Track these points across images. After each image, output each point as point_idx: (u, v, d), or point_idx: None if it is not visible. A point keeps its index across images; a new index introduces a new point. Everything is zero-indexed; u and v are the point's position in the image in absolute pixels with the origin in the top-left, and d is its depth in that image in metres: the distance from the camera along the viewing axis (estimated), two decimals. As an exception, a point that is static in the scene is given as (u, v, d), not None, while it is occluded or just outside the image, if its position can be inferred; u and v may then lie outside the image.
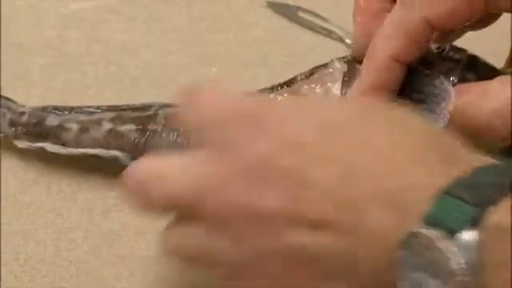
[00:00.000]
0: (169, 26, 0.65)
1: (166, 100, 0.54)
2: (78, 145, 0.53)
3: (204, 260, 0.40)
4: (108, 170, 0.55)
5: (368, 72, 0.47)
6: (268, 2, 0.67)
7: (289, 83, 0.51)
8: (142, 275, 0.49)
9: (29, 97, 0.60)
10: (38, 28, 0.65)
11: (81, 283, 0.49)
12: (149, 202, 0.41)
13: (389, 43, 0.46)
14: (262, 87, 0.53)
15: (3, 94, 0.60)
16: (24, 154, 0.56)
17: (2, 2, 0.66)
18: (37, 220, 0.52)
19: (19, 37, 0.65)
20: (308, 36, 0.65)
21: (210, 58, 0.62)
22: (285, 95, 0.50)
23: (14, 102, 0.56)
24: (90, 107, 0.54)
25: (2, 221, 0.52)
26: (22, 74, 0.62)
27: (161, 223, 0.52)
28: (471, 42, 0.52)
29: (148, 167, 0.41)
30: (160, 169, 0.41)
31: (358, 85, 0.48)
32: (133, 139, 0.52)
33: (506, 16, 0.49)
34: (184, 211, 0.40)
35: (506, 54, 0.52)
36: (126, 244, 0.51)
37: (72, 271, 0.50)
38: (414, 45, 0.46)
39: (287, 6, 0.67)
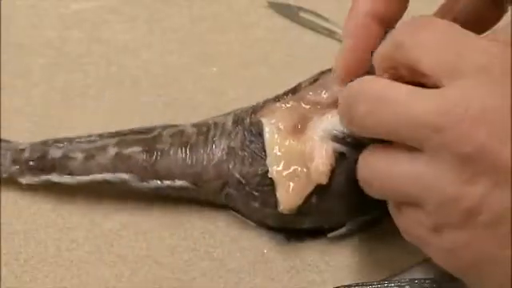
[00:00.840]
0: (169, 26, 0.65)
1: (166, 99, 0.54)
2: (85, 172, 0.52)
3: (412, 190, 0.39)
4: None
5: (347, 29, 0.47)
6: (269, 3, 0.67)
7: (293, 91, 0.51)
8: (143, 275, 0.49)
9: (29, 97, 0.60)
10: (39, 28, 0.65)
11: (82, 283, 0.49)
12: (380, 123, 0.40)
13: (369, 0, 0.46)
14: (263, 87, 0.53)
15: (3, 94, 0.60)
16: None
17: (2, 2, 0.66)
18: (37, 220, 0.52)
19: (19, 37, 0.65)
20: (309, 36, 0.65)
21: (211, 58, 0.62)
22: (291, 103, 0.50)
23: (11, 142, 0.55)
24: (90, 136, 0.53)
25: (2, 221, 0.52)
26: (22, 74, 0.62)
27: (160, 224, 0.52)
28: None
29: (380, 89, 0.40)
30: (392, 93, 0.40)
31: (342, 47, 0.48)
32: (141, 161, 0.51)
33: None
34: (403, 139, 0.39)
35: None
36: (127, 244, 0.51)
37: (73, 271, 0.50)
38: (394, 2, 0.46)
39: (288, 6, 0.67)
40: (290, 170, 0.48)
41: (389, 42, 0.42)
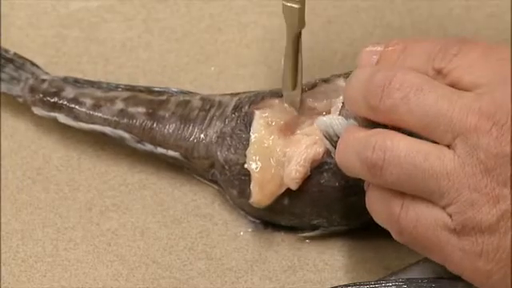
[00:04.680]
0: (167, 25, 0.65)
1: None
2: (88, 120, 0.54)
3: (436, 186, 0.38)
4: (109, 165, 0.55)
5: None
6: None
7: None
8: (141, 274, 0.49)
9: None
10: (37, 27, 0.65)
11: (79, 283, 0.49)
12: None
13: None
14: (261, 87, 0.53)
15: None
16: (23, 152, 0.56)
17: (1, 1, 0.66)
18: (35, 219, 0.52)
19: (19, 36, 0.65)
20: (307, 36, 0.65)
21: (209, 58, 0.62)
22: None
23: (39, 68, 0.57)
24: (109, 83, 0.55)
25: (0, 220, 0.52)
26: (20, 74, 0.62)
27: (158, 223, 0.52)
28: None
29: (420, 81, 0.40)
30: (434, 86, 0.40)
31: None
32: (141, 122, 0.53)
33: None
34: (433, 133, 0.39)
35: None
36: (125, 243, 0.51)
37: (71, 271, 0.50)
38: None
39: None
40: (266, 167, 0.49)
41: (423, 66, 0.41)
